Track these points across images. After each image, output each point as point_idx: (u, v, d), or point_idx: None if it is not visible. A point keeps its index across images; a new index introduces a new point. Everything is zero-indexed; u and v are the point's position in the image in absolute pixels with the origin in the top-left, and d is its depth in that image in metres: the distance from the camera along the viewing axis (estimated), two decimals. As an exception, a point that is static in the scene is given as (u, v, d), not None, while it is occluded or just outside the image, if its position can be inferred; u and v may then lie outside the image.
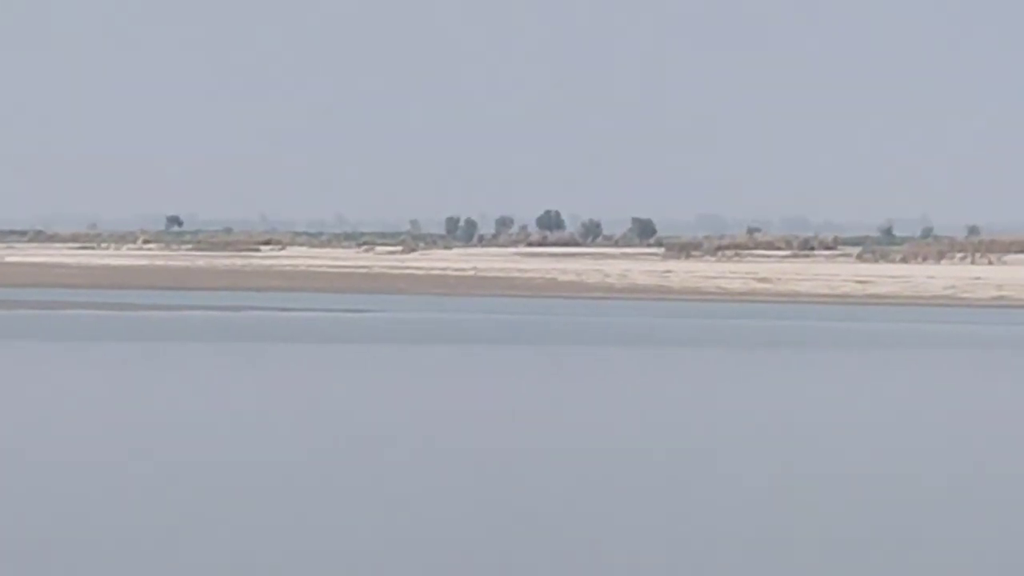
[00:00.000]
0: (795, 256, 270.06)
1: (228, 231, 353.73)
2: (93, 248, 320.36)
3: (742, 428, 67.29)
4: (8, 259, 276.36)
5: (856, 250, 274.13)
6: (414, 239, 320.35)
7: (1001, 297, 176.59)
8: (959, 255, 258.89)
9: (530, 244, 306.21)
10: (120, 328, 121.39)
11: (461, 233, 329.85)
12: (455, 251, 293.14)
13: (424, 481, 48.85)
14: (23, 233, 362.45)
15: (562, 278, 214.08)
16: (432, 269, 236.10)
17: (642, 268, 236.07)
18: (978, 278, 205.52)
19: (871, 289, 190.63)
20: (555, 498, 42.96)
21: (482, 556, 35.22)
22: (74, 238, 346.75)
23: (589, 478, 47.29)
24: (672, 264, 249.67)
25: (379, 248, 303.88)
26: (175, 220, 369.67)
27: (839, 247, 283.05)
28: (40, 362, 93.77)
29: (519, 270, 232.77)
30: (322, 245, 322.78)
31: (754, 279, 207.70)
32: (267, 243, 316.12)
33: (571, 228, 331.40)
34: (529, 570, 31.89)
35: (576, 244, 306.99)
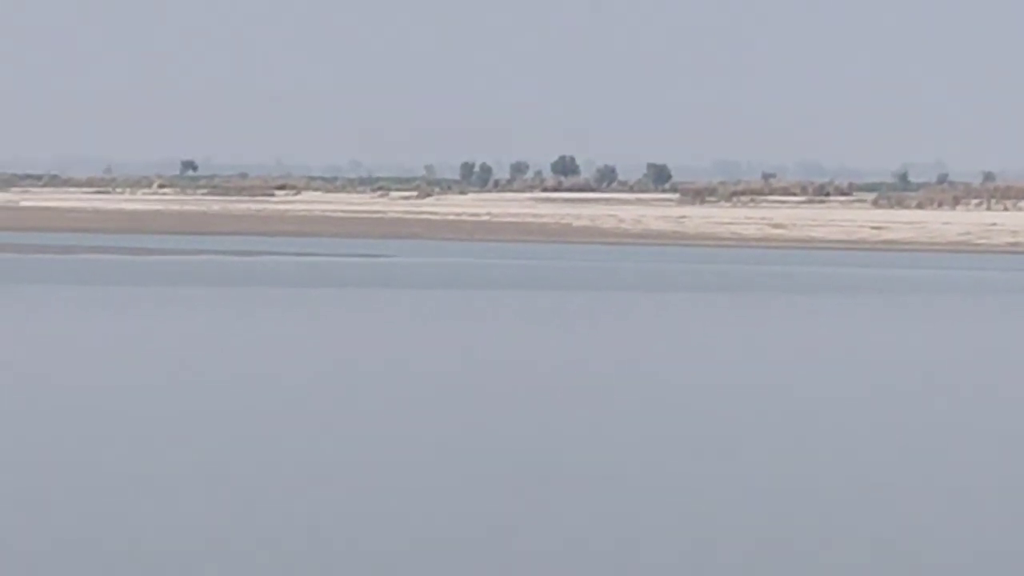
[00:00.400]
0: (810, 202, 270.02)
1: (243, 176, 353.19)
2: (108, 192, 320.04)
3: (748, 372, 67.52)
4: (24, 203, 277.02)
5: (871, 196, 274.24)
6: (429, 184, 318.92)
7: (1016, 243, 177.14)
8: (974, 201, 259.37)
9: (545, 189, 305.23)
10: (135, 273, 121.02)
11: (476, 179, 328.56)
12: (470, 196, 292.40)
13: (428, 414, 47.34)
14: (38, 177, 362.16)
15: (576, 223, 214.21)
16: (447, 214, 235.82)
17: (657, 214, 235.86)
18: (993, 224, 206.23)
19: (886, 235, 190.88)
20: (558, 431, 42.76)
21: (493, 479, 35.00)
22: (89, 183, 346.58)
23: (587, 415, 46.63)
24: (687, 210, 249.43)
25: (394, 193, 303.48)
26: (190, 164, 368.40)
27: (854, 193, 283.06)
28: (54, 306, 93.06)
29: (534, 215, 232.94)
30: (337, 190, 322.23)
31: (769, 225, 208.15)
32: (282, 188, 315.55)
33: (586, 174, 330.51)
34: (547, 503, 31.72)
35: (591, 189, 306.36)
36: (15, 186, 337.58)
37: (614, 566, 26.88)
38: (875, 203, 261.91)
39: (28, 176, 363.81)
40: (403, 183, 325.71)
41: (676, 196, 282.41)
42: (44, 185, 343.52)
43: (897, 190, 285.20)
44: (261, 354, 72.69)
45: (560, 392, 58.34)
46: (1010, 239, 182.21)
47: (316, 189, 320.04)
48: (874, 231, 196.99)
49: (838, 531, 30.47)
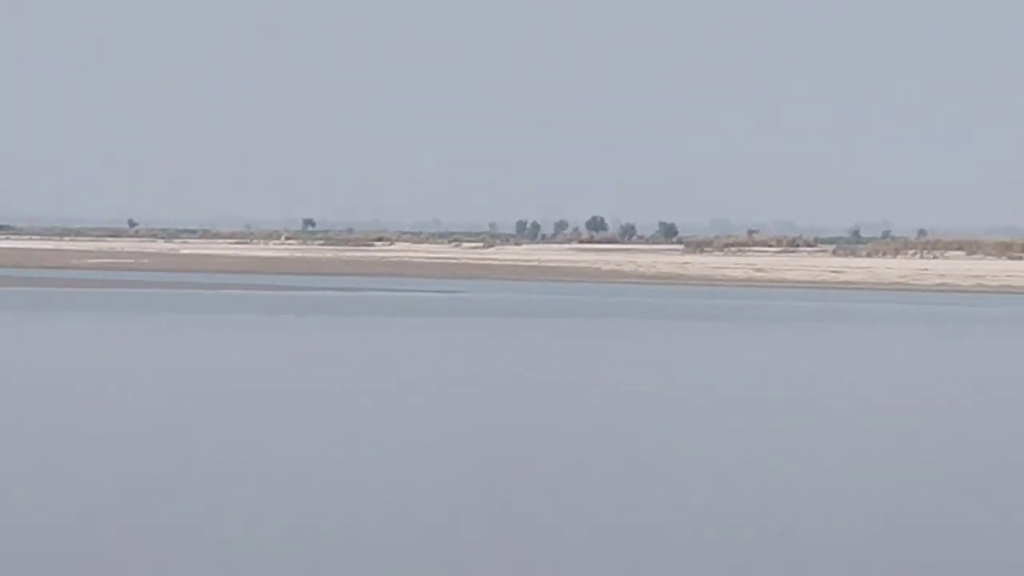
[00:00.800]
0: (784, 251, 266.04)
1: (350, 231, 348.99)
2: (247, 243, 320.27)
3: (734, 377, 65.38)
4: (183, 251, 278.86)
5: (831, 247, 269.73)
6: (492, 237, 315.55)
7: (943, 284, 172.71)
8: (911, 251, 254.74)
9: (581, 242, 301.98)
10: (268, 304, 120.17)
11: (528, 233, 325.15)
12: (523, 247, 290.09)
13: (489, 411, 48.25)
14: (193, 231, 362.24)
15: (604, 267, 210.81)
16: (505, 260, 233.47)
17: (666, 260, 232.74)
18: (925, 269, 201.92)
19: (843, 277, 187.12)
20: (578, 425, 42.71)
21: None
22: (232, 235, 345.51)
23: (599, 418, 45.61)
24: (689, 257, 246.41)
25: (465, 244, 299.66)
26: (310, 222, 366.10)
27: (818, 245, 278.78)
28: (210, 330, 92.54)
29: (571, 261, 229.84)
30: (421, 241, 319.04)
31: (752, 269, 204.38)
32: (379, 239, 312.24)
33: (612, 230, 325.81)
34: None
35: (616, 242, 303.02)
36: (176, 238, 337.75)
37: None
38: (834, 253, 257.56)
39: (186, 231, 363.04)
40: (472, 236, 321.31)
41: (681, 247, 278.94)
42: (199, 237, 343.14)
43: (851, 243, 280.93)
44: (374, 364, 70.98)
45: (582, 391, 57.19)
46: (938, 280, 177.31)
47: (406, 240, 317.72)
48: (833, 274, 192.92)
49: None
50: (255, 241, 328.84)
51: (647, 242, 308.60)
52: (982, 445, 47.14)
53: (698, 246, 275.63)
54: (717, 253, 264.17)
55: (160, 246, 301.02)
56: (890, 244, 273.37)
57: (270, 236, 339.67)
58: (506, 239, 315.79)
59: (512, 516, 31.79)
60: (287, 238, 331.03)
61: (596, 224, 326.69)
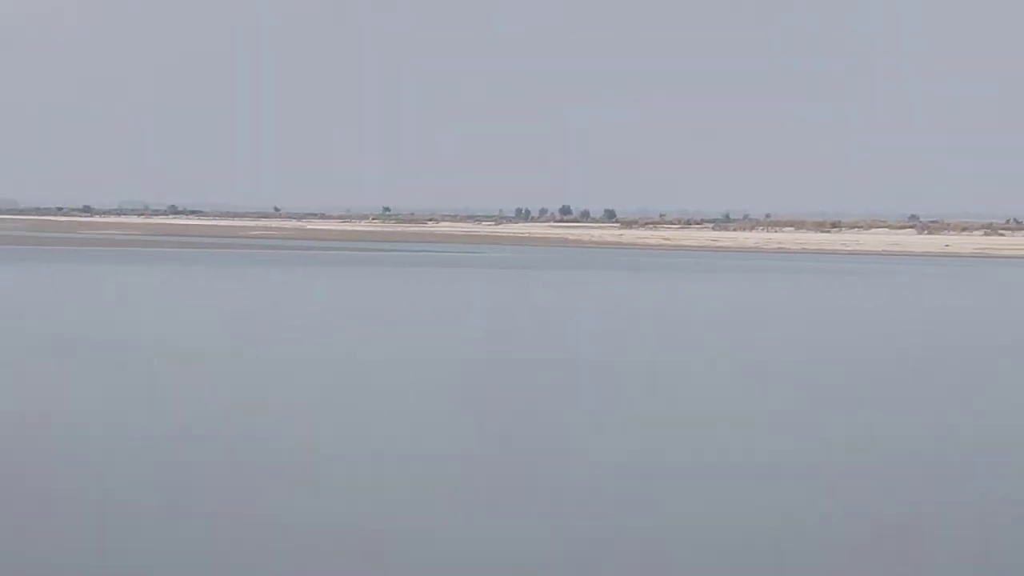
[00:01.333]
0: (682, 227, 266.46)
1: (411, 214, 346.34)
2: (348, 221, 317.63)
3: (655, 297, 66.12)
4: (308, 227, 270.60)
5: (712, 225, 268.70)
6: (501, 218, 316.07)
7: (780, 248, 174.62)
8: (761, 228, 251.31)
9: (556, 222, 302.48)
10: (364, 259, 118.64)
11: (522, 215, 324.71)
12: (519, 224, 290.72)
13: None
14: (314, 214, 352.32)
15: (570, 237, 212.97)
16: (508, 233, 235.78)
17: (609, 233, 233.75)
18: (769, 239, 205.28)
19: (718, 244, 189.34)
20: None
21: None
22: (339, 217, 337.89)
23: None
24: (623, 231, 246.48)
25: (484, 222, 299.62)
26: (387, 209, 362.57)
27: (703, 223, 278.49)
28: (333, 274, 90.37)
29: (550, 234, 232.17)
30: (457, 221, 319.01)
31: (662, 239, 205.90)
32: (430, 220, 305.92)
33: (575, 213, 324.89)
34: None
35: (577, 222, 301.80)
36: (304, 219, 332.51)
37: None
38: (713, 228, 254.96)
39: (310, 214, 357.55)
40: (488, 218, 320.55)
41: (618, 224, 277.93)
42: (316, 218, 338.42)
43: (724, 222, 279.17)
44: (437, 289, 69.75)
45: (556, 304, 57.16)
46: (777, 246, 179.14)
47: (447, 220, 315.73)
48: (712, 241, 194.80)
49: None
50: (353, 220, 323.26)
51: (597, 221, 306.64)
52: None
53: (628, 224, 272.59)
54: (640, 228, 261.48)
55: (294, 223, 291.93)
56: (748, 223, 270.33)
57: (363, 217, 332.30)
58: (510, 219, 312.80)
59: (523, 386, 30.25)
60: (373, 218, 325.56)
61: (565, 210, 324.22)
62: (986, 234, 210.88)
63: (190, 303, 59.80)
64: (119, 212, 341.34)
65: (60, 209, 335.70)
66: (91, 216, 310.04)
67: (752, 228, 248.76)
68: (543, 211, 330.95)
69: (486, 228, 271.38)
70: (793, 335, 47.22)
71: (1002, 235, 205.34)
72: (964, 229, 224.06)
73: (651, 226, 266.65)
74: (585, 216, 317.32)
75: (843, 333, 48.98)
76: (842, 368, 35.34)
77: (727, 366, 34.80)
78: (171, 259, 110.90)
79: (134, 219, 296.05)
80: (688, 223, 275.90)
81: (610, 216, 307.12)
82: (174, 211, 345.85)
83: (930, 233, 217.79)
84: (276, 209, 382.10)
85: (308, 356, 35.16)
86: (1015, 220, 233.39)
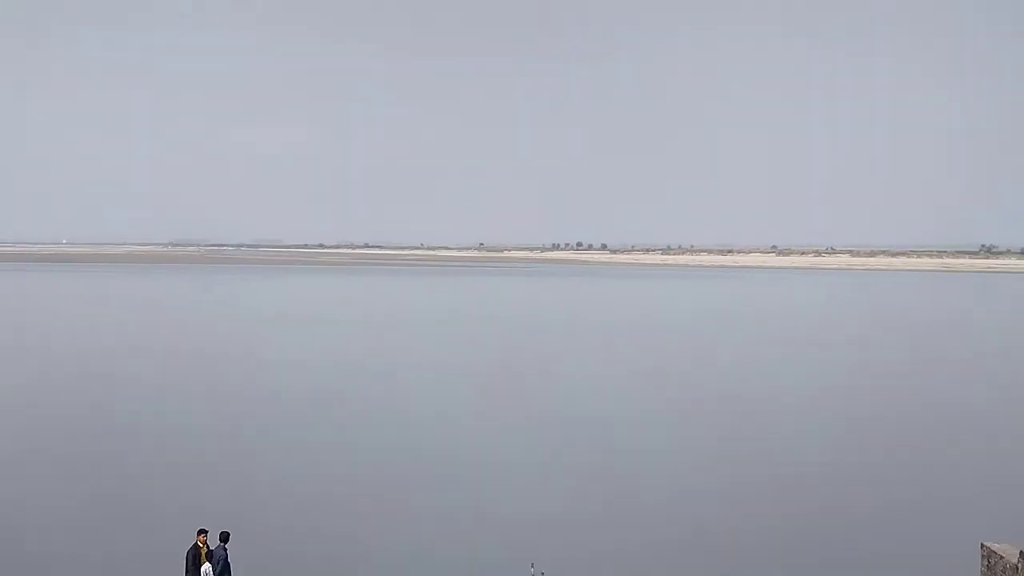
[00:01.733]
0: (645, 253, 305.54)
1: (498, 248, 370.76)
2: (453, 251, 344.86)
3: (640, 291, 77.34)
4: (440, 254, 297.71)
5: (660, 251, 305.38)
6: (542, 249, 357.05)
7: (698, 263, 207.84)
8: (685, 252, 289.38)
9: (573, 250, 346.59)
10: (473, 270, 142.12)
11: (553, 246, 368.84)
12: (550, 252, 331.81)
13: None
14: (413, 247, 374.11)
15: (578, 259, 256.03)
16: (550, 258, 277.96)
17: (603, 258, 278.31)
18: (691, 259, 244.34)
19: (668, 262, 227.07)
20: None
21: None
22: (458, 248, 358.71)
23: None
24: (613, 256, 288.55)
25: (536, 251, 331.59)
26: (481, 243, 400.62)
27: (656, 250, 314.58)
28: (460, 280, 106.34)
29: (569, 259, 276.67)
30: (521, 250, 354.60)
31: (635, 261, 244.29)
32: (505, 250, 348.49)
33: (584, 246, 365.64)
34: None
35: (585, 250, 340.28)
36: (357, 248, 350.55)
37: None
38: (663, 253, 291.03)
39: (365, 244, 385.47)
40: (532, 249, 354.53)
41: (608, 252, 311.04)
42: (412, 249, 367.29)
43: (668, 250, 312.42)
44: (510, 285, 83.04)
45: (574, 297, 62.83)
46: (696, 262, 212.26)
47: (516, 250, 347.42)
48: (663, 261, 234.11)
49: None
50: (461, 249, 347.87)
51: (596, 250, 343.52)
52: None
53: (615, 252, 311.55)
54: (623, 254, 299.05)
55: (436, 253, 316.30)
56: (680, 249, 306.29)
57: (460, 248, 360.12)
58: (547, 249, 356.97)
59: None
60: (460, 249, 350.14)
61: (580, 244, 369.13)
62: (817, 255, 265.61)
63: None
64: (337, 246, 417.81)
65: (306, 245, 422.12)
66: (324, 249, 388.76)
67: (683, 253, 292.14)
68: (566, 244, 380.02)
69: (536, 255, 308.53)
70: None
71: (825, 256, 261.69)
72: (803, 253, 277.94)
73: (629, 253, 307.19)
74: (590, 247, 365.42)
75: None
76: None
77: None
78: (379, 272, 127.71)
79: (346, 251, 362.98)
80: (647, 250, 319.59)
81: (604, 247, 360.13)
82: (366, 246, 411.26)
83: (781, 255, 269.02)
84: (421, 244, 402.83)
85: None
86: (831, 248, 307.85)
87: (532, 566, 13.78)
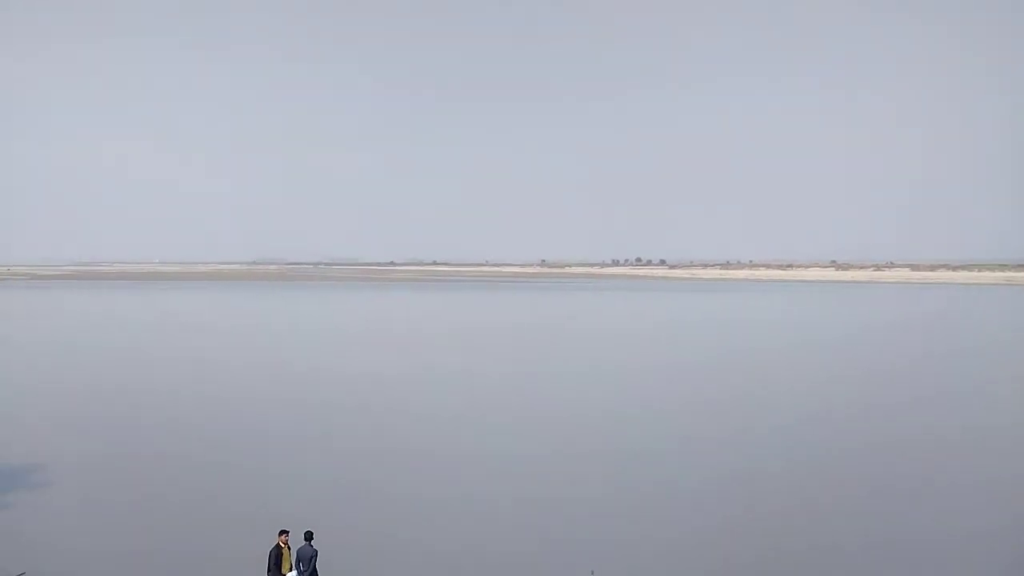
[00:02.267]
0: (703, 268, 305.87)
1: (561, 264, 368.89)
2: (517, 268, 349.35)
3: (648, 296, 75.91)
4: (505, 270, 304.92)
5: (719, 266, 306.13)
6: (602, 265, 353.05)
7: (681, 280, 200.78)
8: (740, 267, 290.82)
9: (632, 265, 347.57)
10: (536, 286, 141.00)
11: (612, 262, 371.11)
12: (610, 268, 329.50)
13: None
14: (430, 262, 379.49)
15: (638, 274, 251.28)
16: (606, 273, 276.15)
17: (658, 273, 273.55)
18: (668, 273, 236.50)
19: (655, 275, 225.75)
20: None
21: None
22: (521, 264, 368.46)
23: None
24: (670, 271, 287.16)
25: (591, 267, 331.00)
26: (543, 260, 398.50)
27: (715, 265, 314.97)
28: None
29: (629, 274, 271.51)
30: (577, 265, 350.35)
31: (649, 274, 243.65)
32: (566, 267, 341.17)
33: (644, 262, 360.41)
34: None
35: (645, 266, 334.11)
36: (426, 266, 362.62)
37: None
38: (721, 268, 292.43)
39: (434, 261, 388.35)
40: (592, 264, 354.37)
41: (644, 266, 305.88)
42: (477, 265, 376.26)
43: (727, 264, 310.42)
44: (557, 297, 79.64)
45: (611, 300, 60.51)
46: (661, 275, 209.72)
47: (575, 265, 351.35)
48: (664, 275, 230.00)
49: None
50: (517, 267, 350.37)
51: (654, 266, 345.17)
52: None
53: (673, 267, 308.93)
54: (681, 269, 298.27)
55: (500, 269, 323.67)
56: (739, 264, 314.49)
57: (523, 264, 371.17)
58: (605, 265, 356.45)
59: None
60: (535, 266, 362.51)
61: (639, 260, 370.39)
62: (876, 269, 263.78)
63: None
64: (407, 263, 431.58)
65: (378, 263, 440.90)
66: (395, 266, 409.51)
67: (740, 267, 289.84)
68: (624, 260, 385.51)
69: (592, 270, 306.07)
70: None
71: (885, 270, 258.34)
72: (863, 267, 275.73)
73: (643, 266, 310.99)
74: (650, 262, 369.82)
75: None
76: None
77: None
78: (450, 288, 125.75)
79: (416, 267, 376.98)
80: (640, 264, 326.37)
81: (640, 262, 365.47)
82: (435, 263, 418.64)
83: (840, 270, 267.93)
84: (487, 261, 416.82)
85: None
86: (891, 262, 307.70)
87: (592, 573, 14.17)
